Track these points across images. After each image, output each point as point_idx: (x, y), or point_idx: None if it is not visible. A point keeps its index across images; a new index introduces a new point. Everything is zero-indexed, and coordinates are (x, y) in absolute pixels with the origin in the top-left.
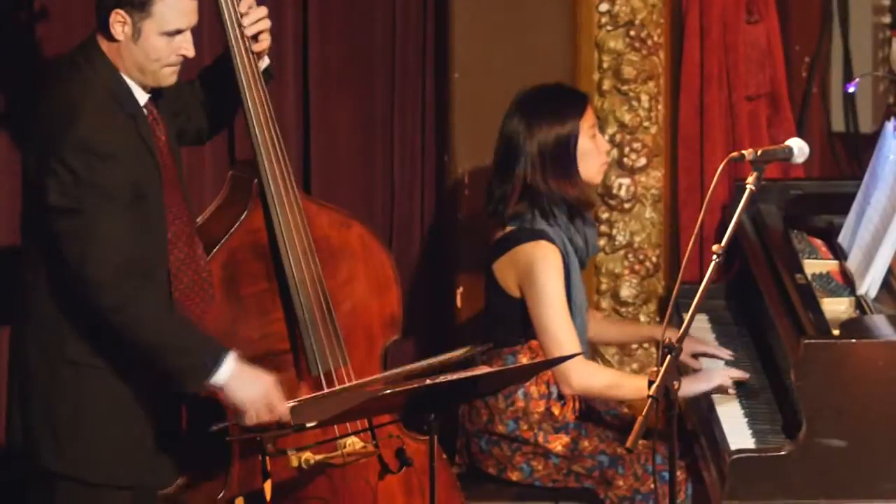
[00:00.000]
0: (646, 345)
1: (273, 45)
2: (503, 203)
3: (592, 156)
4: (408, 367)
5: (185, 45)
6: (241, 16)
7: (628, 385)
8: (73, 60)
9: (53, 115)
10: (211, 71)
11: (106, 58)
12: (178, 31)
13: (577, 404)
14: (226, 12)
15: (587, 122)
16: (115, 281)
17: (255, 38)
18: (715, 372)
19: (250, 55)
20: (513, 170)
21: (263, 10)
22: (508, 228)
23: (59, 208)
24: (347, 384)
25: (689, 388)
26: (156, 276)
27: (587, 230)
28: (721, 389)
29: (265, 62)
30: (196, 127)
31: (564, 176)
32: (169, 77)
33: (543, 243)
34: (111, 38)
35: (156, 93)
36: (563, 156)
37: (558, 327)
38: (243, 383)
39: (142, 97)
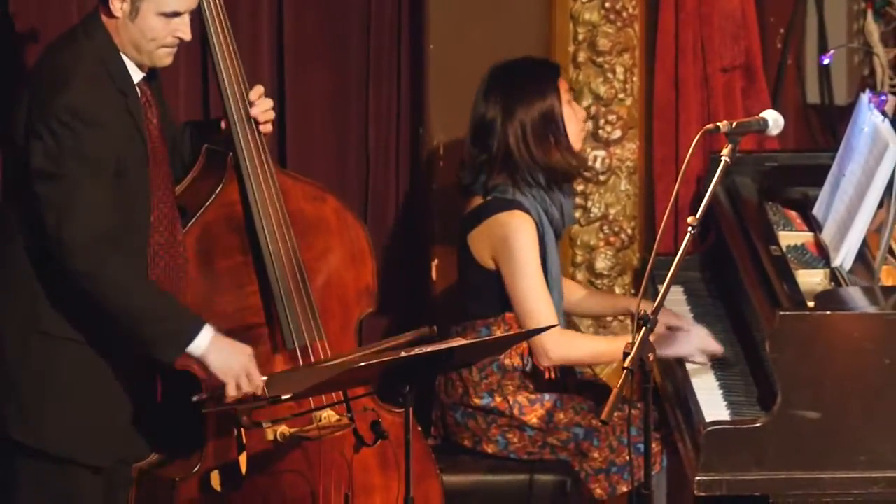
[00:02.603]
0: (621, 316)
1: (248, 16)
2: (484, 174)
3: (572, 122)
4: (370, 347)
5: (183, 28)
6: (251, 104)
7: (608, 353)
8: (72, 32)
9: (45, 81)
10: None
11: (105, 32)
12: (176, 14)
13: (552, 374)
14: None
15: (562, 91)
16: (87, 245)
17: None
18: (692, 337)
19: (226, 31)
20: (491, 144)
21: (268, 103)
22: (483, 199)
23: (42, 172)
24: (323, 359)
25: (664, 350)
26: (133, 251)
27: (563, 200)
28: (695, 358)
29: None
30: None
31: (555, 143)
32: (164, 58)
33: (518, 213)
34: (110, 14)
35: (152, 74)
36: (551, 125)
37: (535, 298)
38: (222, 353)
39: (136, 75)
